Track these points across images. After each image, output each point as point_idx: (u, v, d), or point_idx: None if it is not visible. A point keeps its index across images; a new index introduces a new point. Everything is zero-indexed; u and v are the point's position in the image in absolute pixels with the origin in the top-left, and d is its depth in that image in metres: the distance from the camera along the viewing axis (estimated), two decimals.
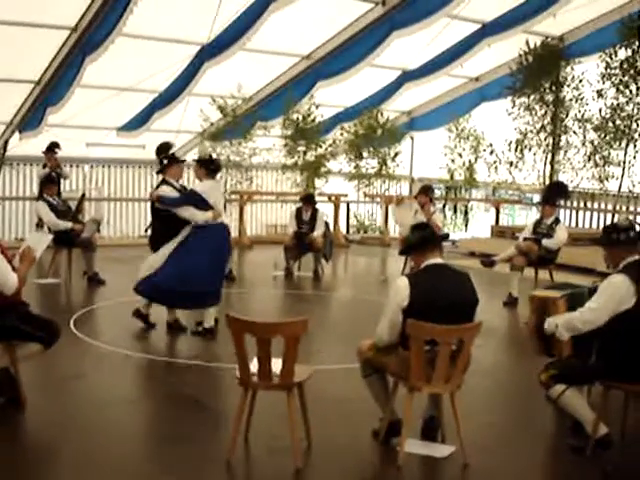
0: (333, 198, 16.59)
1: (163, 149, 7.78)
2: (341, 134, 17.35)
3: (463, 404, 4.59)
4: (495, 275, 10.79)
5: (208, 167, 7.61)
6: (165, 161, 7.64)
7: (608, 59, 13.96)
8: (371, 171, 17.58)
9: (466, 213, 19.19)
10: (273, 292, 7.76)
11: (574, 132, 15.48)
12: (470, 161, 18.44)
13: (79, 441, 4.69)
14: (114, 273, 10.62)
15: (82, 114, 13.89)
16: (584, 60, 15.03)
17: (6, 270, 4.90)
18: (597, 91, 14.39)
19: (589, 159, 14.95)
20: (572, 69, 15.37)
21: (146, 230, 8.30)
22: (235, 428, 4.43)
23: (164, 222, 7.47)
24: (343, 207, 17.58)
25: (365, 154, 17.49)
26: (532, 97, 15.43)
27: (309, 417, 4.65)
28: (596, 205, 15.52)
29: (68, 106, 13.22)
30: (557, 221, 9.99)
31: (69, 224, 10.14)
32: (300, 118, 16.16)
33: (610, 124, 14.23)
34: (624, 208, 14.69)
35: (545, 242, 9.69)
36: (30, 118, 14.13)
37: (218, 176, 8.12)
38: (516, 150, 15.92)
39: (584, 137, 15.18)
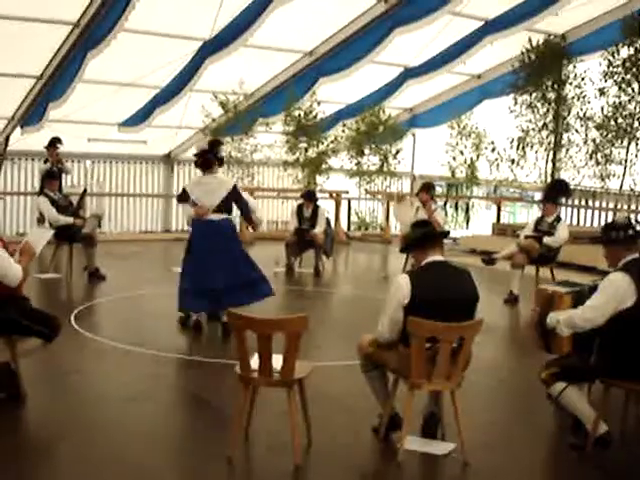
0: (334, 195, 16.61)
1: (217, 144, 7.76)
2: (343, 131, 17.31)
3: (463, 402, 4.58)
4: (496, 273, 10.79)
5: (196, 163, 7.59)
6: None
7: (610, 57, 13.96)
8: (372, 168, 17.55)
9: (467, 211, 19.19)
10: (274, 288, 7.75)
11: (576, 130, 15.49)
12: (472, 159, 18.44)
13: (79, 436, 4.69)
14: (115, 269, 10.59)
15: (84, 109, 13.86)
16: (586, 58, 15.01)
17: (8, 260, 4.91)
18: (599, 89, 14.39)
19: (591, 157, 14.95)
20: (574, 67, 15.35)
21: None
22: (236, 424, 4.43)
23: None
24: (344, 204, 17.63)
25: (366, 151, 17.45)
26: (534, 95, 15.42)
27: (309, 414, 4.65)
28: (597, 203, 15.51)
29: (70, 101, 13.19)
30: (558, 219, 9.99)
31: (70, 219, 10.14)
32: (302, 115, 16.14)
33: (612, 122, 14.23)
34: (625, 206, 14.68)
35: (546, 240, 9.69)
36: (32, 113, 14.10)
37: (220, 171, 7.97)
38: (518, 148, 15.92)
39: (586, 135, 15.18)
